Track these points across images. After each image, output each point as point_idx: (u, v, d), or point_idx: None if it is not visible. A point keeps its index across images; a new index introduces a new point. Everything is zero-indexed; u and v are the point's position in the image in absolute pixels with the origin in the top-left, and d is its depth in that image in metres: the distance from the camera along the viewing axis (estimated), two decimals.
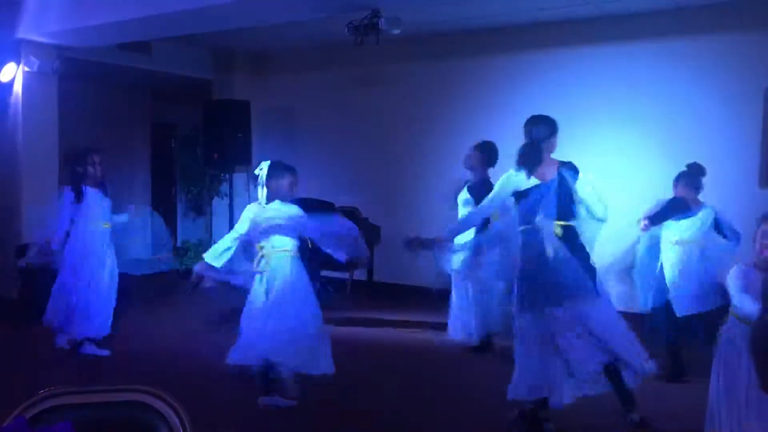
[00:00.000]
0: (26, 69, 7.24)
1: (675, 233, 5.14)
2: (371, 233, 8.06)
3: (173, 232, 6.59)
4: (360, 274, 8.62)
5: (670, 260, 5.13)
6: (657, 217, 5.12)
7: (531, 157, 4.07)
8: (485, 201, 4.25)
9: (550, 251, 3.87)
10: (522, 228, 4.04)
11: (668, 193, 6.88)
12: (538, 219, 3.94)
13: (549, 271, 3.88)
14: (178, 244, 9.80)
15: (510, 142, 8.12)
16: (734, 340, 3.30)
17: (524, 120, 4.24)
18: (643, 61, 7.00)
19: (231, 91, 9.61)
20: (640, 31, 7.00)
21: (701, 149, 6.71)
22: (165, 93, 10.73)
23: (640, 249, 5.28)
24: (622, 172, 6.75)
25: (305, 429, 4.34)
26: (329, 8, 5.94)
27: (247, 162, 9.03)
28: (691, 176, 5.25)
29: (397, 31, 6.00)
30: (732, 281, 3.34)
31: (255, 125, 9.17)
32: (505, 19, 7.41)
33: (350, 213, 8.71)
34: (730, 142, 6.59)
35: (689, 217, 5.11)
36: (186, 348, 6.02)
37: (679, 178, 5.28)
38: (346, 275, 8.80)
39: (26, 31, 7.04)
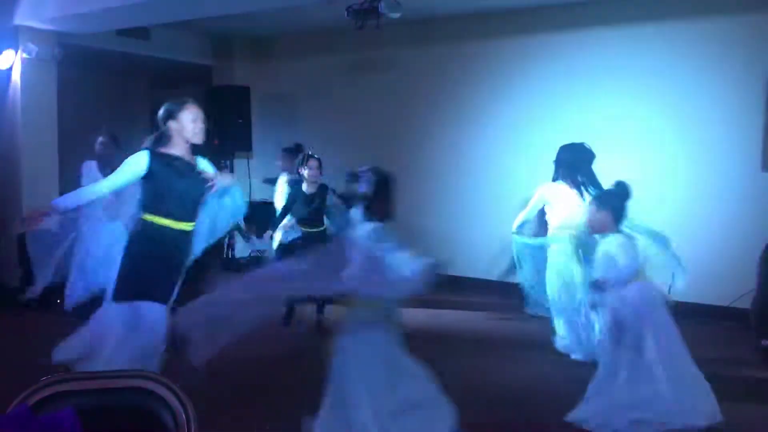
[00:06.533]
0: (24, 56, 7.19)
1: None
2: None
3: None
4: None
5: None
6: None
7: None
8: None
9: None
10: None
11: (670, 180, 6.90)
12: None
13: None
14: None
15: (516, 123, 8.06)
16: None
17: (531, 103, 4.23)
18: (646, 44, 6.95)
19: (231, 77, 9.57)
20: (644, 13, 6.94)
21: (704, 133, 6.70)
22: (164, 79, 10.67)
23: None
24: (621, 157, 6.72)
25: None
26: None
27: (247, 148, 9.00)
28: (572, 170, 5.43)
29: (397, 15, 5.98)
30: None
31: (255, 111, 9.13)
32: (507, 2, 7.35)
33: None
34: (733, 126, 6.56)
35: None
36: None
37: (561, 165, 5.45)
38: None
39: (24, 17, 7.00)
